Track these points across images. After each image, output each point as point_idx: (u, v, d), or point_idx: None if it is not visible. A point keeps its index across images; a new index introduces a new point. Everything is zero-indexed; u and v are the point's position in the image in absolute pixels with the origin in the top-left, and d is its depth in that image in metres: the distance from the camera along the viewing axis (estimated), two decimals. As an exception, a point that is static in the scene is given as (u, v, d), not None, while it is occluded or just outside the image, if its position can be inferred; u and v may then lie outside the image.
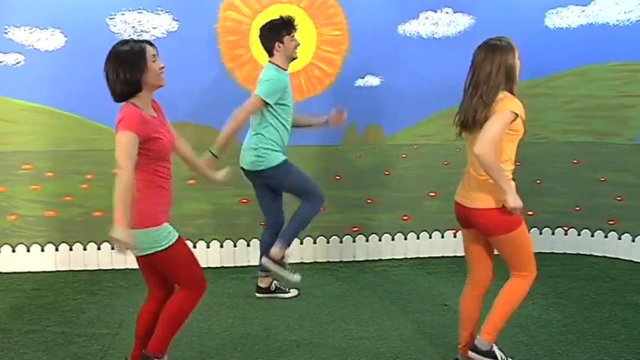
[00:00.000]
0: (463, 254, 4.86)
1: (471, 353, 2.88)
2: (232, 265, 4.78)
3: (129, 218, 2.50)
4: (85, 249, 4.67)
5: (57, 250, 4.64)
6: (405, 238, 4.96)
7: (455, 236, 4.95)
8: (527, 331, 3.52)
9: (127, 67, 2.51)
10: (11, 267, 4.60)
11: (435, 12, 4.73)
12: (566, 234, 5.08)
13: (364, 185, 4.87)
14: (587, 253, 5.01)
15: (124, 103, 2.58)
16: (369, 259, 4.92)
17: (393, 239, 4.95)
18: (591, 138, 4.93)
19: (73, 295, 4.17)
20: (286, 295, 4.05)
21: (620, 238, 4.92)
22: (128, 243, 2.49)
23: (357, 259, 4.91)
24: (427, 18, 4.72)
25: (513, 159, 2.76)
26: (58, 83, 4.41)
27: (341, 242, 4.91)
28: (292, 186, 3.89)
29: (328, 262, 4.87)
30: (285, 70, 3.79)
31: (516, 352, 3.25)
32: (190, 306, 2.79)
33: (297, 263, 4.75)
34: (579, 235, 5.05)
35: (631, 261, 4.84)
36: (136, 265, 2.99)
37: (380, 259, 4.91)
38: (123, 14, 4.42)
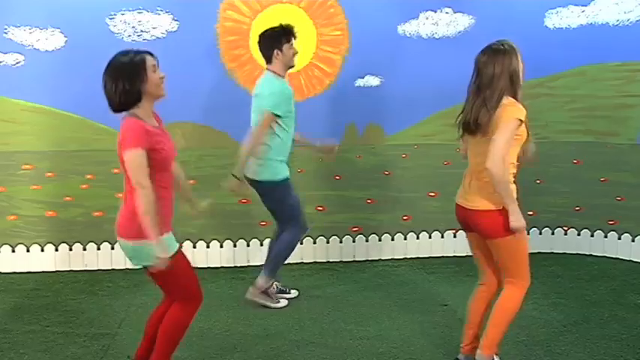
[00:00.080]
0: (463, 254, 4.90)
1: None
2: (232, 265, 4.78)
3: (159, 231, 2.49)
4: (84, 249, 4.66)
5: (57, 250, 4.64)
6: (405, 238, 4.96)
7: (455, 236, 4.95)
8: (527, 331, 3.52)
9: (127, 77, 2.50)
10: (11, 267, 4.60)
11: (435, 12, 4.73)
12: (566, 234, 5.08)
13: (364, 185, 4.87)
14: (587, 253, 5.01)
15: (125, 114, 2.57)
16: (369, 259, 4.91)
17: (392, 239, 4.95)
18: (591, 138, 4.93)
19: (72, 295, 4.17)
20: (276, 305, 3.96)
21: (620, 238, 4.92)
22: (166, 257, 2.50)
23: (356, 259, 4.91)
24: (427, 18, 4.72)
25: (515, 162, 2.76)
26: (58, 83, 4.41)
27: (341, 242, 4.91)
28: (281, 208, 3.86)
29: (328, 262, 4.87)
30: (284, 77, 3.78)
31: (516, 352, 3.26)
32: (187, 320, 2.77)
33: (297, 263, 4.76)
34: (579, 235, 5.05)
35: (631, 261, 4.83)
36: (135, 266, 2.99)
37: (380, 259, 4.91)
38: (123, 14, 4.42)
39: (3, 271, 4.58)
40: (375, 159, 4.87)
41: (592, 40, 4.75)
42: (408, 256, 4.96)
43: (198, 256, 4.73)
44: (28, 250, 4.62)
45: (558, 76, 4.88)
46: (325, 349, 3.35)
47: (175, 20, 4.48)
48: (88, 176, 4.60)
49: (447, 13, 4.74)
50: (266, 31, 3.75)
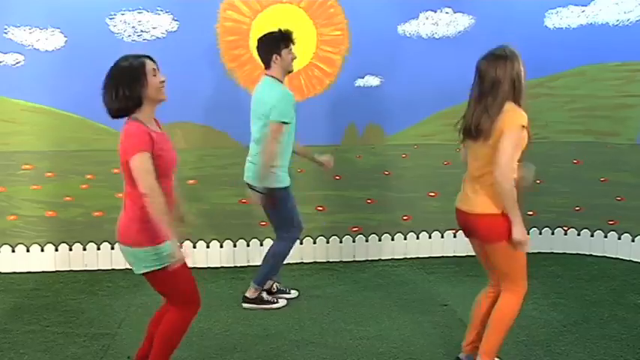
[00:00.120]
0: (463, 254, 4.91)
1: None
2: (232, 265, 4.78)
3: (171, 228, 2.49)
4: (84, 249, 4.66)
5: (57, 250, 4.64)
6: (405, 238, 4.96)
7: (455, 236, 4.95)
8: (528, 331, 3.52)
9: (127, 83, 2.50)
10: (11, 267, 4.60)
11: (435, 12, 4.73)
12: (566, 234, 5.08)
13: (364, 185, 4.87)
14: (587, 253, 5.01)
15: (127, 119, 2.56)
16: (369, 259, 4.91)
17: (392, 239, 4.95)
18: (591, 138, 4.93)
19: (72, 295, 4.16)
20: (275, 305, 3.96)
21: (619, 238, 4.92)
22: (182, 257, 2.53)
23: (356, 259, 4.91)
24: (427, 18, 4.72)
25: (515, 167, 2.76)
26: (58, 83, 4.41)
27: (341, 242, 4.91)
28: (278, 215, 3.85)
29: (328, 262, 4.87)
30: (283, 82, 3.76)
31: (516, 352, 3.26)
32: (184, 325, 2.77)
33: (297, 263, 4.76)
34: (579, 235, 5.05)
35: (631, 261, 4.84)
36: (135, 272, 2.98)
37: (380, 259, 4.91)
38: (123, 14, 4.42)
39: (3, 271, 4.58)
40: (375, 159, 4.87)
41: (592, 40, 4.76)
42: (408, 256, 4.96)
43: (198, 256, 4.73)
44: (28, 250, 4.62)
45: (558, 76, 4.88)
46: (325, 349, 3.35)
47: (175, 20, 4.48)
48: (88, 176, 4.60)
49: (447, 13, 4.74)
50: (264, 35, 3.74)
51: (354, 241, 4.92)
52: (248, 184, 3.83)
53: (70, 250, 4.65)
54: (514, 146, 2.62)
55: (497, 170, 2.60)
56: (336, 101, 4.71)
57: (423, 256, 4.95)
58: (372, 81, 4.74)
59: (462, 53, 4.63)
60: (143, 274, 2.65)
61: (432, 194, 4.93)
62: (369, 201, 4.90)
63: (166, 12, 4.46)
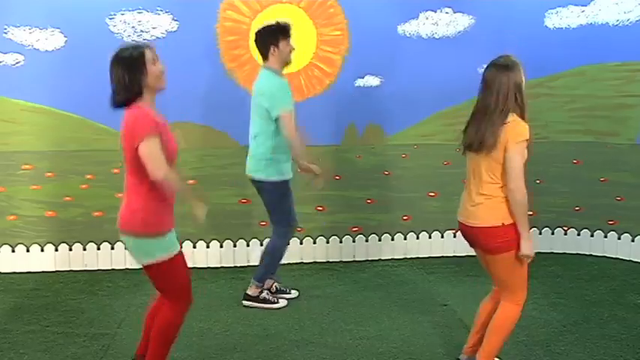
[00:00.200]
0: (463, 254, 4.91)
1: None
2: (232, 265, 4.78)
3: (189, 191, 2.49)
4: (84, 249, 4.66)
5: (56, 250, 4.64)
6: (405, 238, 4.96)
7: (455, 236, 4.95)
8: (527, 331, 3.52)
9: (127, 72, 2.52)
10: (11, 267, 4.59)
11: (435, 12, 4.72)
12: (565, 234, 5.08)
13: (364, 185, 4.87)
14: (587, 253, 5.01)
15: (130, 107, 2.57)
16: (369, 259, 4.91)
17: (392, 239, 4.95)
18: (591, 138, 4.93)
19: (72, 295, 4.16)
20: (275, 305, 3.96)
21: (619, 238, 4.92)
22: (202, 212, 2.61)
23: (356, 259, 4.91)
24: (427, 18, 4.72)
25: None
26: (58, 83, 4.41)
27: (341, 242, 4.91)
28: (277, 208, 3.85)
29: (328, 262, 4.86)
30: (281, 74, 3.77)
31: (516, 352, 3.26)
32: (178, 319, 2.76)
33: (296, 263, 4.76)
34: (579, 235, 5.05)
35: (630, 261, 4.83)
36: (134, 266, 3.00)
37: (379, 259, 4.91)
38: (123, 14, 4.42)
39: (3, 271, 4.58)
40: (375, 159, 4.87)
41: (592, 40, 4.76)
42: (408, 256, 4.95)
43: (198, 256, 4.73)
44: (27, 250, 4.62)
45: (558, 76, 4.88)
46: (325, 348, 3.35)
47: (175, 20, 4.48)
48: (88, 176, 4.60)
49: (446, 13, 4.74)
50: (262, 27, 3.75)
51: (354, 241, 4.92)
52: (251, 179, 3.84)
53: (70, 250, 4.65)
54: (522, 158, 2.64)
55: (512, 183, 2.63)
56: (336, 101, 4.71)
57: (422, 256, 4.95)
58: (372, 81, 4.74)
59: (461, 53, 4.65)
60: (143, 265, 2.64)
61: (432, 194, 4.93)
62: (369, 201, 4.90)
63: (166, 12, 4.46)
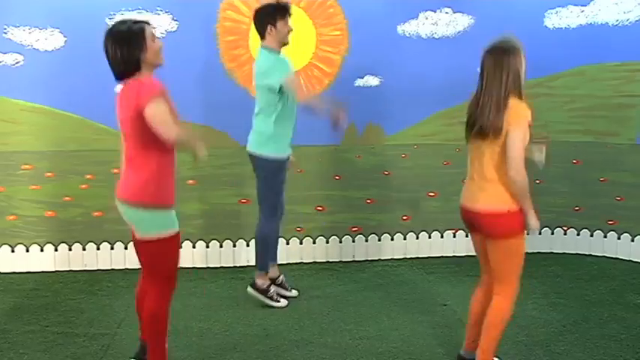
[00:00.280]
0: (462, 254, 4.91)
1: None
2: (232, 265, 4.78)
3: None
4: (84, 249, 4.66)
5: (56, 250, 4.64)
6: (405, 238, 4.96)
7: (454, 236, 4.96)
8: (527, 331, 3.53)
9: (126, 46, 2.53)
10: (10, 267, 4.59)
11: (435, 12, 4.73)
12: (565, 234, 5.09)
13: (364, 185, 4.87)
14: (587, 253, 5.01)
15: (129, 80, 2.58)
16: (369, 259, 4.91)
17: (392, 239, 4.95)
18: (591, 138, 4.93)
19: (72, 295, 4.16)
20: (276, 304, 3.96)
21: (619, 238, 4.92)
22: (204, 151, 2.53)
23: (356, 259, 4.91)
24: (427, 18, 4.72)
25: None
26: (58, 83, 4.41)
27: (340, 242, 4.91)
28: (266, 187, 3.85)
29: (327, 262, 4.86)
30: (279, 53, 3.76)
31: (516, 352, 3.26)
32: (165, 303, 2.77)
33: (296, 263, 4.76)
34: (579, 234, 5.05)
35: (630, 261, 4.84)
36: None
37: (379, 259, 4.91)
38: (122, 14, 4.41)
39: (2, 271, 4.57)
40: (375, 159, 4.87)
41: (591, 40, 4.76)
42: (408, 256, 4.95)
43: (198, 256, 4.73)
44: (27, 250, 4.62)
45: (558, 75, 4.88)
46: (325, 348, 3.35)
47: (175, 20, 4.48)
48: (88, 176, 4.59)
49: (446, 13, 4.74)
50: (261, 6, 3.76)
51: (353, 241, 4.92)
52: (248, 153, 3.86)
53: (70, 250, 4.65)
54: (523, 141, 2.64)
55: (510, 166, 2.63)
56: (335, 101, 4.70)
57: (422, 256, 4.95)
58: (372, 81, 4.74)
59: (461, 53, 4.65)
60: (145, 239, 2.65)
61: (432, 194, 4.93)
62: (368, 201, 4.90)
63: (166, 12, 4.46)
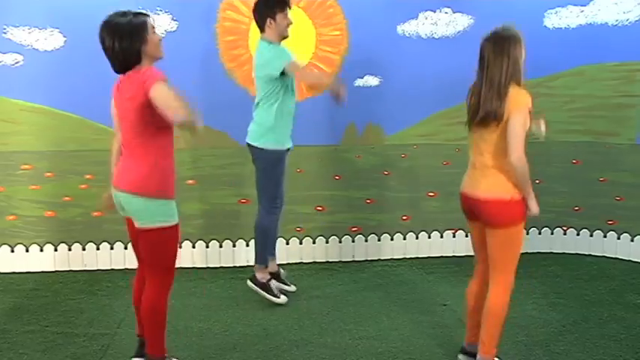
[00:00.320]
0: (462, 254, 4.91)
1: None
2: (231, 265, 4.77)
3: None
4: (84, 249, 4.66)
5: (56, 250, 4.64)
6: (404, 238, 4.96)
7: (454, 236, 4.96)
8: (527, 331, 3.53)
9: (127, 38, 2.53)
10: (10, 267, 4.59)
11: (434, 12, 4.73)
12: (565, 234, 5.09)
13: (363, 185, 4.87)
14: (586, 253, 5.01)
15: (130, 72, 2.58)
16: (368, 259, 4.91)
17: (392, 239, 4.95)
18: (590, 138, 4.93)
19: (72, 295, 4.16)
20: (276, 300, 3.97)
21: (619, 238, 4.92)
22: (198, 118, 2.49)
23: (356, 259, 4.91)
24: (426, 18, 4.72)
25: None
26: (57, 83, 4.41)
27: (340, 242, 4.91)
28: (265, 179, 3.86)
29: (327, 262, 4.86)
30: (279, 44, 3.77)
31: (515, 352, 3.26)
32: (166, 294, 2.79)
33: (296, 263, 4.76)
34: (578, 234, 5.05)
35: (630, 261, 4.84)
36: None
37: (379, 259, 4.91)
38: (122, 14, 4.41)
39: (2, 271, 4.57)
40: (375, 159, 4.87)
41: (591, 40, 4.76)
42: (407, 256, 4.95)
43: (198, 256, 4.73)
44: (27, 250, 4.61)
45: (557, 75, 4.88)
46: (324, 348, 3.35)
47: (174, 20, 4.48)
48: (87, 176, 4.59)
49: (446, 13, 4.74)
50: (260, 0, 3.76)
51: (353, 241, 4.92)
52: (248, 144, 3.87)
53: (70, 250, 4.65)
54: (523, 127, 2.65)
55: (512, 152, 2.63)
56: (334, 101, 4.70)
57: (422, 256, 4.95)
58: (372, 81, 4.74)
59: (461, 53, 4.63)
60: (147, 229, 2.65)
61: (432, 194, 4.93)
62: (368, 201, 4.90)
63: (165, 12, 4.46)
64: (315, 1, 4.59)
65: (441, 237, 4.99)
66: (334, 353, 3.30)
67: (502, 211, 2.73)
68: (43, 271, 4.60)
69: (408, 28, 4.72)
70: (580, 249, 5.05)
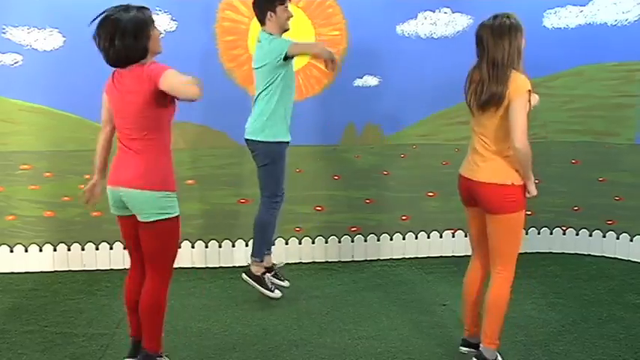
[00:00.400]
0: (461, 254, 4.91)
1: None
2: (230, 266, 4.77)
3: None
4: (83, 249, 4.66)
5: (55, 250, 4.64)
6: (404, 238, 4.96)
7: (453, 236, 4.96)
8: (526, 331, 3.53)
9: (132, 35, 2.51)
10: (9, 267, 4.59)
11: (434, 12, 4.72)
12: (564, 234, 5.09)
13: (363, 185, 4.87)
14: (586, 253, 5.01)
15: (133, 66, 2.57)
16: (368, 259, 4.91)
17: (391, 239, 4.95)
18: (590, 138, 4.93)
19: (71, 295, 4.16)
20: (271, 294, 3.98)
21: (618, 238, 4.92)
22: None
23: (355, 259, 4.91)
24: (425, 18, 4.72)
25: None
26: (57, 83, 4.40)
27: (339, 242, 4.91)
28: (267, 173, 3.86)
29: (327, 262, 4.86)
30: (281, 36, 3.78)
31: (515, 352, 3.26)
32: (166, 290, 2.80)
33: (295, 263, 4.76)
34: (577, 234, 5.05)
35: (629, 261, 4.84)
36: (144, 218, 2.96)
37: (378, 259, 4.91)
38: (121, 14, 4.41)
39: (1, 271, 4.57)
40: (374, 159, 4.87)
41: (590, 40, 4.76)
42: (407, 256, 4.95)
43: (197, 256, 4.73)
44: (26, 250, 4.61)
45: (556, 75, 4.88)
46: (324, 348, 3.36)
47: (174, 20, 4.47)
48: (87, 176, 4.53)
49: (445, 13, 4.74)
50: None
51: (352, 241, 4.92)
52: (246, 140, 3.88)
53: (69, 250, 4.65)
54: (525, 112, 2.66)
55: (515, 137, 2.64)
56: (334, 101, 4.71)
57: (421, 256, 4.95)
58: (371, 81, 4.74)
59: (460, 53, 4.61)
60: (151, 222, 2.66)
61: (431, 194, 4.93)
62: (367, 201, 4.90)
63: (165, 12, 4.45)
64: (314, 1, 4.58)
65: (440, 237, 4.99)
66: (333, 353, 3.30)
67: (503, 196, 2.73)
68: (42, 271, 4.60)
69: (407, 28, 4.72)
70: (579, 249, 5.05)
